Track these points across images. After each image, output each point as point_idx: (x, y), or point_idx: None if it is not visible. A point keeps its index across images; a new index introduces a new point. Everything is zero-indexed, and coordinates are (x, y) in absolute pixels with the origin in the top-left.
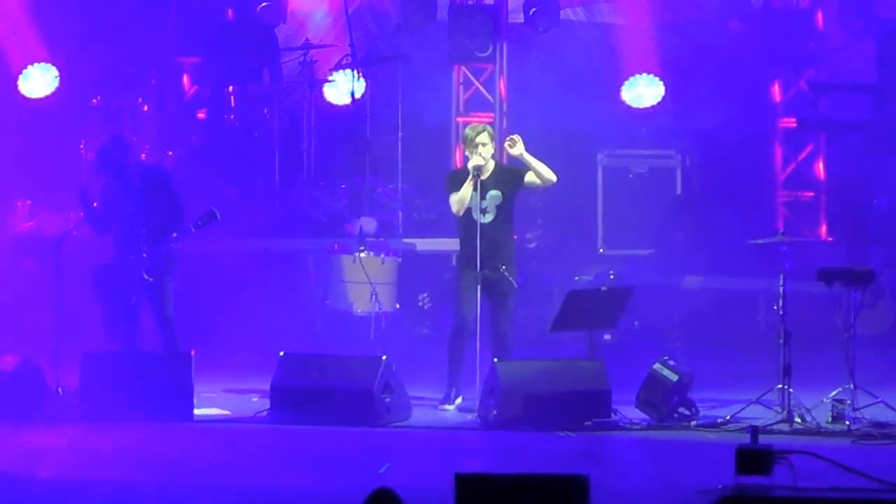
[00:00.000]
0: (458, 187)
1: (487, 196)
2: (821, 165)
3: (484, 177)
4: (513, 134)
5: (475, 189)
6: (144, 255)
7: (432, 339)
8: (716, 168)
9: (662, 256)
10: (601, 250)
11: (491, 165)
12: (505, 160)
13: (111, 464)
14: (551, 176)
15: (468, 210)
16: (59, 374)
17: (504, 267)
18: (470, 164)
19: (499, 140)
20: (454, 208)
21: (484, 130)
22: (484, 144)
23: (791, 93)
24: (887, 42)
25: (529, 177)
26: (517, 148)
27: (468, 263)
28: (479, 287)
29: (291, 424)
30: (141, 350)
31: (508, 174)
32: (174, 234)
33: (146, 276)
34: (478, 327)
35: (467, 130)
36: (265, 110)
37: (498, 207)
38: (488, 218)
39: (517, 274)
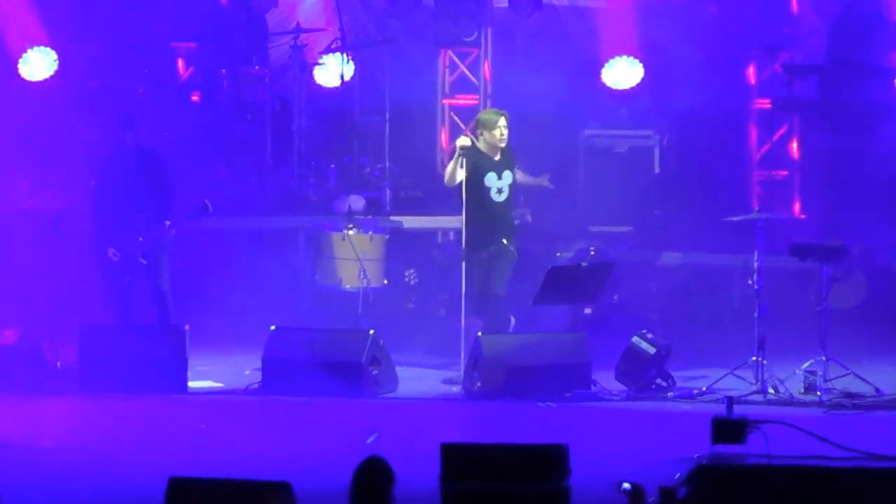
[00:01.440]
0: (457, 164)
1: (504, 176)
2: (794, 145)
3: (498, 158)
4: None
5: (493, 170)
6: (140, 239)
7: (418, 314)
8: (693, 147)
9: (641, 233)
10: (591, 228)
11: (502, 151)
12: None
13: (109, 434)
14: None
15: (487, 189)
16: (58, 348)
17: (505, 240)
18: (459, 143)
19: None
20: (446, 178)
21: (502, 115)
22: (505, 126)
23: (766, 75)
24: (837, 24)
25: (517, 175)
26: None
27: (484, 240)
28: (484, 258)
29: (282, 396)
30: (137, 324)
31: (512, 155)
32: (167, 223)
33: (141, 260)
34: (462, 301)
35: (490, 115)
36: (256, 93)
37: (510, 186)
38: (503, 197)
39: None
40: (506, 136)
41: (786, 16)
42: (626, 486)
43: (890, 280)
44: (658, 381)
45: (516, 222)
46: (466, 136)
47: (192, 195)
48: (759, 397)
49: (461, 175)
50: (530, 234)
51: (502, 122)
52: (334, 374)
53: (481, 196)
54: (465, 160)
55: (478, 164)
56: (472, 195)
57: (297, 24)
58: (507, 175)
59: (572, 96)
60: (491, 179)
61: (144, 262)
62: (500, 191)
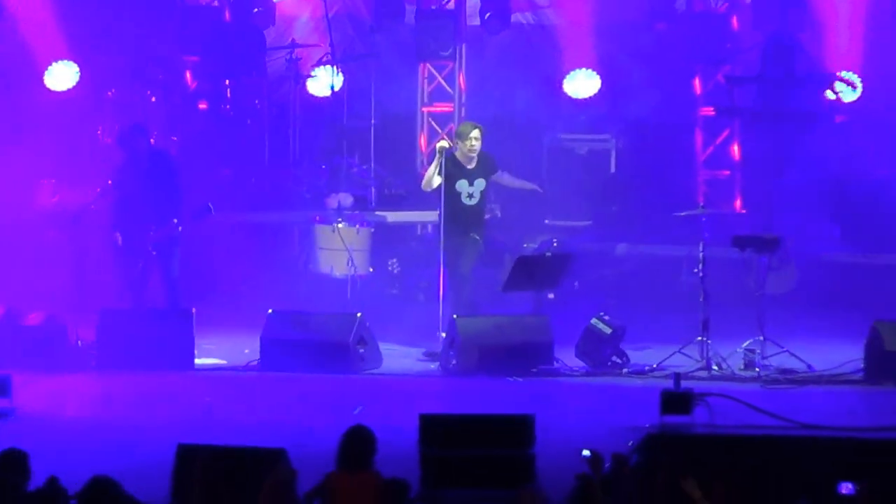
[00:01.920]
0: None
1: (475, 183)
2: (735, 148)
3: (472, 166)
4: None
5: (465, 178)
6: (152, 233)
7: (401, 299)
8: (645, 150)
9: (599, 226)
10: (546, 220)
11: (476, 160)
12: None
13: (123, 406)
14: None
15: (458, 194)
16: (79, 329)
17: (475, 234)
18: (438, 145)
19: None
20: (424, 184)
21: (476, 128)
22: (477, 139)
23: (710, 85)
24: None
25: (502, 180)
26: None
27: (454, 238)
28: (456, 248)
29: (278, 372)
30: (149, 308)
31: (489, 163)
32: (175, 221)
33: (152, 251)
34: (440, 286)
35: (464, 128)
36: (256, 101)
37: (481, 192)
38: (474, 201)
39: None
40: (476, 147)
41: (727, 33)
42: (586, 452)
43: (820, 268)
44: (614, 358)
45: (487, 216)
46: (444, 139)
47: (196, 198)
48: (703, 373)
49: (438, 181)
50: (499, 227)
51: (474, 134)
52: (325, 353)
53: (454, 200)
54: (441, 167)
55: (452, 172)
56: (446, 199)
57: (292, 39)
58: (479, 182)
59: (537, 104)
60: (462, 185)
61: (155, 252)
62: (470, 195)
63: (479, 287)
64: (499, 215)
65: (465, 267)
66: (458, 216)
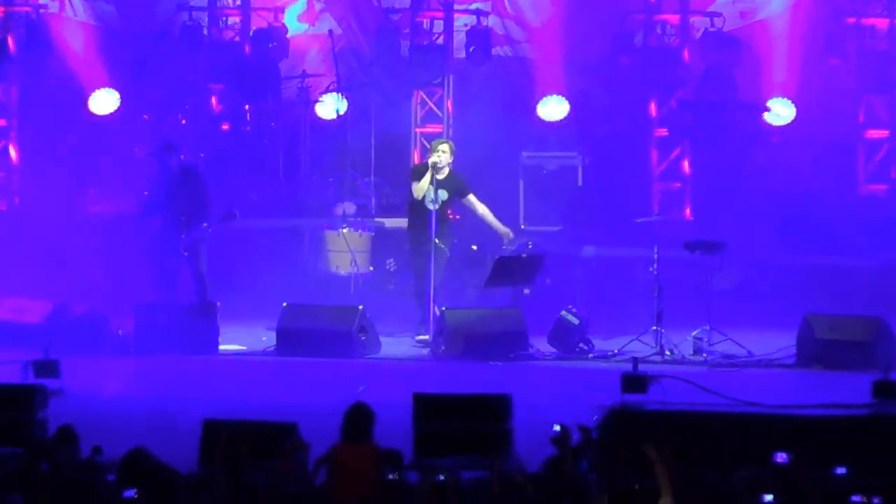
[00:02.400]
0: (418, 178)
1: (438, 193)
2: (686, 163)
3: (440, 177)
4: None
5: (431, 184)
6: (183, 236)
7: (397, 293)
8: (607, 165)
9: (568, 232)
10: (522, 226)
11: (446, 171)
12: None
13: (157, 386)
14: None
15: (423, 199)
16: (119, 320)
17: (446, 239)
18: (430, 160)
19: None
20: (416, 194)
21: (445, 143)
22: (444, 152)
23: (664, 109)
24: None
25: (473, 204)
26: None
27: (420, 237)
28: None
29: (291, 357)
30: (180, 301)
31: (457, 183)
32: (205, 224)
33: (184, 252)
34: (431, 285)
35: (434, 143)
36: (272, 123)
37: (443, 202)
38: (434, 207)
39: (451, 245)
40: (441, 159)
41: (679, 64)
42: (557, 427)
43: (758, 268)
44: (581, 345)
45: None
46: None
47: (222, 204)
48: (657, 358)
49: (425, 190)
50: (482, 233)
51: (441, 147)
52: (331, 340)
53: (421, 203)
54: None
55: (422, 175)
56: (414, 202)
57: (303, 70)
58: (441, 192)
59: (514, 126)
60: (428, 192)
61: (186, 253)
62: (432, 201)
63: (465, 284)
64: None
65: (437, 278)
66: (422, 221)
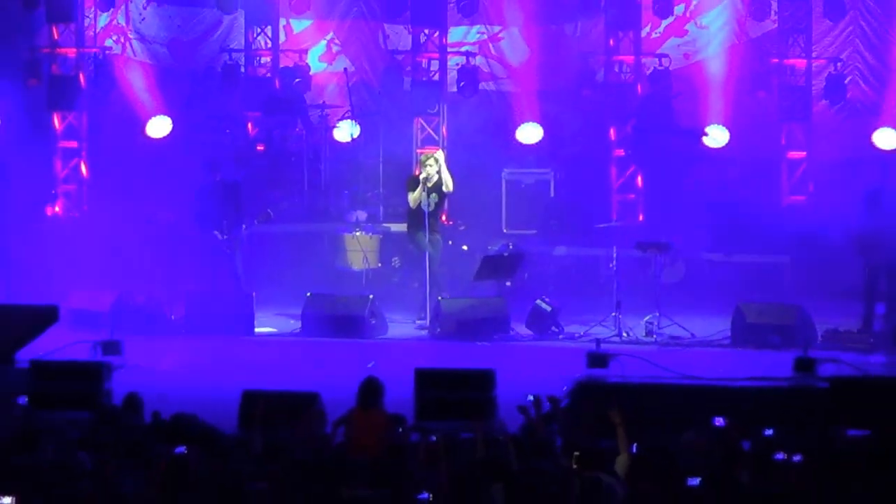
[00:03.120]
0: (413, 188)
1: (430, 196)
2: (639, 178)
3: (430, 185)
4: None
5: (424, 191)
6: (225, 237)
7: (400, 286)
8: (575, 180)
9: (542, 234)
10: (505, 230)
11: (435, 178)
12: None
13: (203, 360)
14: (450, 183)
15: (419, 204)
16: (172, 307)
17: (437, 234)
18: (421, 176)
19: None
20: (412, 203)
21: (432, 157)
22: (431, 165)
23: (621, 134)
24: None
25: (447, 189)
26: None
27: (417, 236)
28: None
29: (314, 337)
30: (222, 291)
31: (442, 185)
32: (244, 226)
33: (226, 248)
34: (427, 276)
35: (422, 157)
36: (298, 145)
37: (436, 203)
38: (430, 209)
39: (444, 236)
40: (429, 172)
41: (633, 96)
42: (531, 397)
43: (699, 264)
44: (553, 328)
45: (462, 226)
46: (427, 170)
47: (259, 208)
48: (616, 339)
49: (419, 199)
50: (471, 236)
51: (429, 162)
52: (347, 323)
53: (419, 207)
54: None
55: (415, 185)
56: (410, 209)
57: (323, 101)
58: (433, 196)
59: (497, 147)
60: (423, 198)
61: (228, 251)
62: (428, 204)
63: (458, 279)
64: (463, 228)
65: (435, 265)
66: (418, 221)
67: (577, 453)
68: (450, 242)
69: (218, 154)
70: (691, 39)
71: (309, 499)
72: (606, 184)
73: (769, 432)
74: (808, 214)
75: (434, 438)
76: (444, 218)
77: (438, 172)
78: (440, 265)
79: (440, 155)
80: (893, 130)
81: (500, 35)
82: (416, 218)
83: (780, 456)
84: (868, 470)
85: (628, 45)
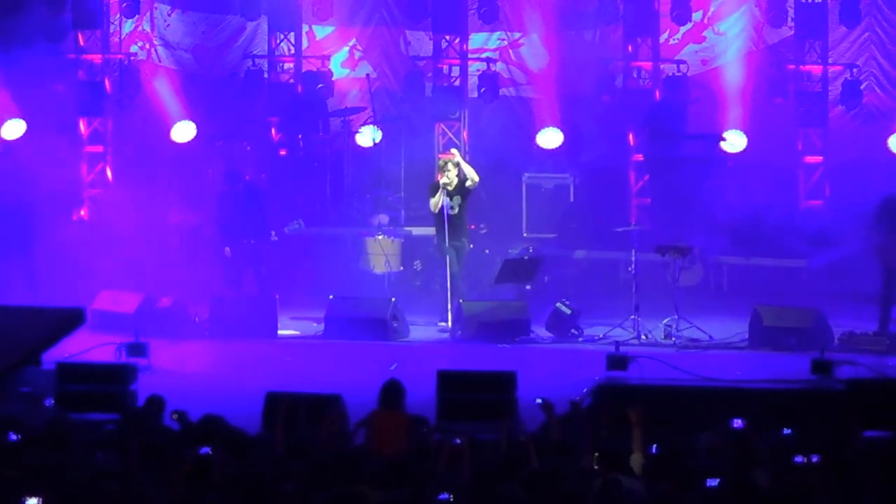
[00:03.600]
0: (434, 194)
1: (453, 200)
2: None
3: (451, 188)
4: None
5: (447, 196)
6: (252, 242)
7: (422, 288)
8: (594, 185)
9: (562, 238)
10: (525, 234)
11: (455, 182)
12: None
13: (227, 364)
14: (474, 175)
15: (443, 207)
16: (196, 310)
17: (464, 238)
18: (442, 181)
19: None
20: (432, 209)
21: (450, 161)
22: (449, 170)
23: (640, 139)
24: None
25: (470, 184)
26: (456, 157)
27: (443, 238)
28: (452, 251)
29: (337, 339)
30: (246, 294)
31: (463, 187)
32: (272, 232)
33: (252, 253)
34: (448, 280)
35: (440, 161)
36: (321, 150)
37: (459, 206)
38: (454, 212)
39: (469, 241)
40: (449, 178)
41: (651, 102)
42: (539, 400)
43: (717, 267)
44: (573, 331)
45: (483, 230)
46: (446, 176)
47: (281, 214)
48: (635, 342)
49: (439, 203)
50: (492, 240)
51: (447, 166)
52: (369, 326)
53: (443, 210)
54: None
55: (436, 191)
56: (439, 211)
57: (346, 106)
58: (456, 199)
59: (518, 152)
60: (446, 201)
61: (253, 254)
62: (452, 208)
63: (478, 282)
64: (484, 232)
65: (454, 266)
66: (443, 225)
67: (597, 454)
68: (470, 246)
69: (241, 159)
70: (709, 46)
71: (330, 498)
72: (625, 188)
73: (787, 432)
74: (825, 218)
75: (458, 441)
76: (465, 215)
77: (459, 175)
78: (460, 270)
79: (456, 154)
80: None
81: (520, 41)
82: (440, 223)
83: (800, 459)
84: (885, 471)
85: (647, 52)
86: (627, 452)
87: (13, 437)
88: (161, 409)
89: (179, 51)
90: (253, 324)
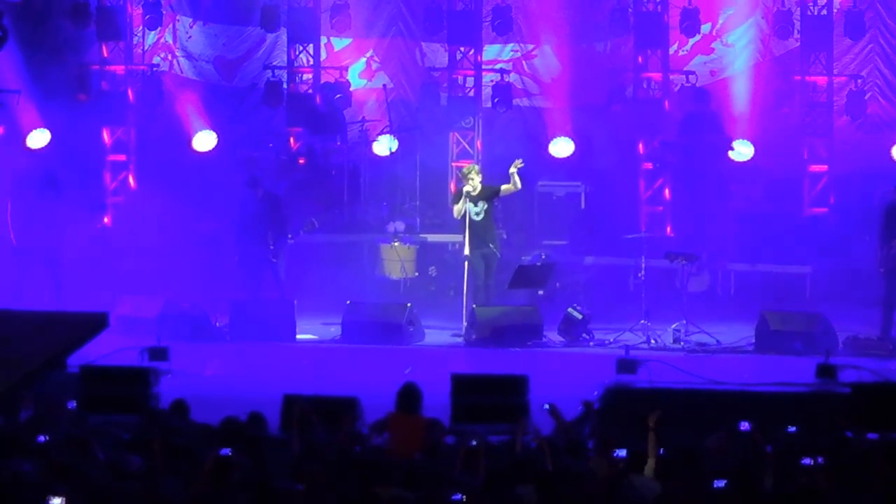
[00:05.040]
0: (457, 201)
1: (479, 205)
2: (667, 191)
3: (475, 194)
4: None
5: (472, 202)
6: (271, 247)
7: (437, 294)
8: (605, 193)
9: (573, 245)
10: (543, 242)
11: (479, 188)
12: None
13: (247, 366)
14: (519, 187)
15: (469, 213)
16: (217, 314)
17: (492, 245)
18: (465, 189)
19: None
20: (456, 215)
21: (473, 169)
22: (472, 178)
23: (649, 148)
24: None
25: (505, 188)
26: (517, 167)
27: (471, 244)
28: (479, 258)
29: (354, 344)
30: (265, 299)
31: (489, 191)
32: (290, 236)
33: (273, 260)
34: (465, 285)
35: (464, 170)
36: (338, 159)
37: (485, 211)
38: (479, 218)
39: (498, 248)
40: (474, 184)
41: (661, 112)
42: (546, 406)
43: (725, 274)
44: (584, 335)
45: (504, 235)
46: (470, 184)
47: (303, 217)
48: (645, 346)
49: (463, 211)
50: (506, 245)
51: (470, 175)
52: (386, 331)
53: (468, 217)
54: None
55: (459, 198)
56: (464, 218)
57: (363, 116)
58: (482, 204)
59: (530, 161)
60: (470, 207)
61: (275, 260)
62: (477, 214)
63: (491, 287)
64: (505, 237)
65: (490, 278)
66: (470, 228)
67: (607, 455)
68: (498, 255)
69: (262, 168)
70: (717, 57)
71: (345, 498)
72: (635, 196)
73: (792, 429)
74: (829, 225)
75: (474, 443)
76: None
77: (482, 183)
78: (488, 280)
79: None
80: None
81: (533, 53)
82: (464, 230)
83: (807, 461)
84: (889, 473)
85: (657, 63)
86: (637, 454)
87: (41, 438)
88: (186, 412)
89: (201, 62)
90: (272, 328)
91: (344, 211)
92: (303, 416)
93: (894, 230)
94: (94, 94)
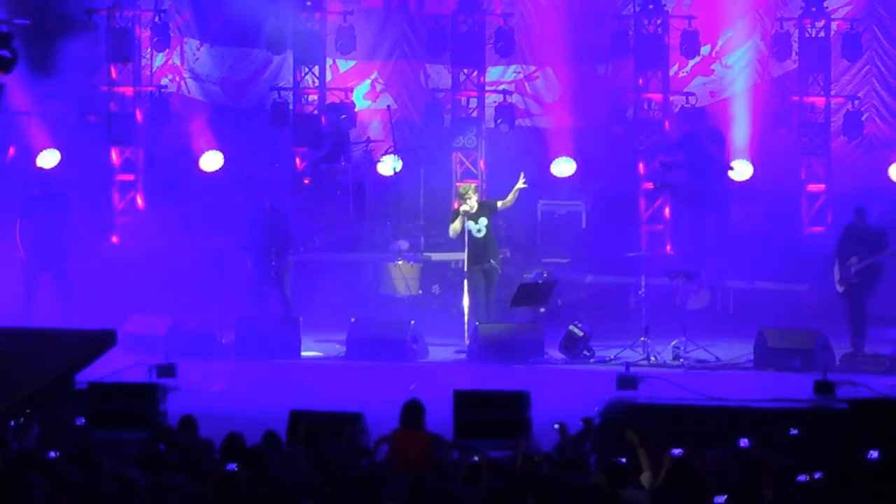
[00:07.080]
0: (453, 220)
1: (479, 221)
2: (667, 210)
3: (473, 212)
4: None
5: (472, 220)
6: (274, 262)
7: (440, 311)
8: (606, 212)
9: (574, 263)
10: (544, 260)
11: (476, 206)
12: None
13: (252, 383)
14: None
15: (469, 231)
16: (223, 332)
17: (493, 260)
18: (462, 209)
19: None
20: (451, 234)
21: (470, 188)
22: (470, 197)
23: (649, 168)
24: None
25: (502, 203)
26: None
27: (471, 260)
28: (479, 274)
29: (359, 361)
30: (270, 316)
31: (487, 207)
32: (291, 252)
33: (274, 276)
34: (465, 302)
35: (461, 189)
36: (343, 178)
37: (486, 227)
38: (481, 234)
39: (499, 264)
40: (471, 203)
41: (661, 133)
42: (556, 425)
43: (723, 292)
44: (585, 352)
45: (507, 253)
46: (467, 203)
47: (304, 235)
48: (645, 363)
49: (459, 230)
50: (508, 264)
51: (468, 194)
52: (390, 347)
53: (468, 235)
54: (463, 221)
55: (457, 218)
56: (465, 236)
57: (368, 136)
58: (482, 220)
59: (531, 180)
60: (471, 225)
61: (277, 277)
62: (479, 231)
63: (493, 305)
64: (508, 255)
65: (491, 294)
66: (471, 245)
67: (607, 470)
68: (499, 271)
69: (267, 186)
70: (717, 78)
71: None
72: (635, 215)
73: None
74: (827, 244)
75: (476, 458)
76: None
77: (479, 201)
78: (489, 296)
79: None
80: None
81: (535, 74)
82: (470, 243)
83: (803, 478)
84: (886, 489)
85: (657, 84)
86: (635, 468)
87: (52, 454)
88: (194, 428)
89: (208, 83)
90: (277, 345)
91: (349, 229)
92: (309, 431)
93: (852, 250)
94: (103, 115)
